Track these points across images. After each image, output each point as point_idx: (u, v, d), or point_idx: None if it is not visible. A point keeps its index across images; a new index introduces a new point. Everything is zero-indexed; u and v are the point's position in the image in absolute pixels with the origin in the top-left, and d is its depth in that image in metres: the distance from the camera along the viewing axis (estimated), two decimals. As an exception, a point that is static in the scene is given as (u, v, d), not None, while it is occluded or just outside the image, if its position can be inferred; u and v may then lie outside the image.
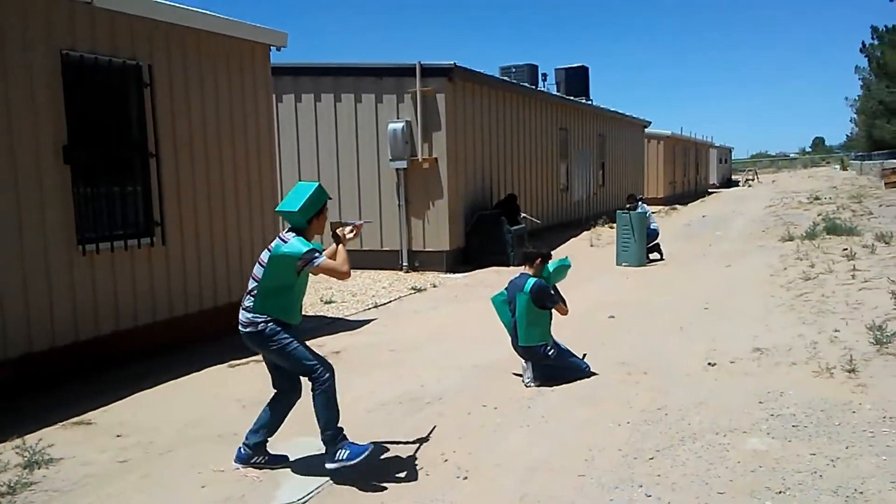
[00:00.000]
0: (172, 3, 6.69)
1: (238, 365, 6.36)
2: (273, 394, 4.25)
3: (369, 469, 4.05)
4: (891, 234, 11.48)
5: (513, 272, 6.87)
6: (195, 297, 7.04)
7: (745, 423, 4.43)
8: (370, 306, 9.24)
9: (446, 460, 4.19)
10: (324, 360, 4.03)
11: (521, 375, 5.70)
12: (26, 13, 5.54)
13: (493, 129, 13.88)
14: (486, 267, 11.91)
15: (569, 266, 5.96)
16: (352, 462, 3.90)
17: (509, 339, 5.83)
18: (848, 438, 4.09)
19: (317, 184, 4.12)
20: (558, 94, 19.48)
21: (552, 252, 6.07)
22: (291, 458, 4.24)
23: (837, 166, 62.94)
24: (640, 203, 12.68)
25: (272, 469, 4.14)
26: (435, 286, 10.65)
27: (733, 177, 55.23)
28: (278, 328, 3.94)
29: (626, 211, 12.22)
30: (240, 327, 4.02)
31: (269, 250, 3.97)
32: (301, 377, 4.11)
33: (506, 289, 5.89)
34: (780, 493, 3.52)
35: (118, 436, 4.76)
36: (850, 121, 63.43)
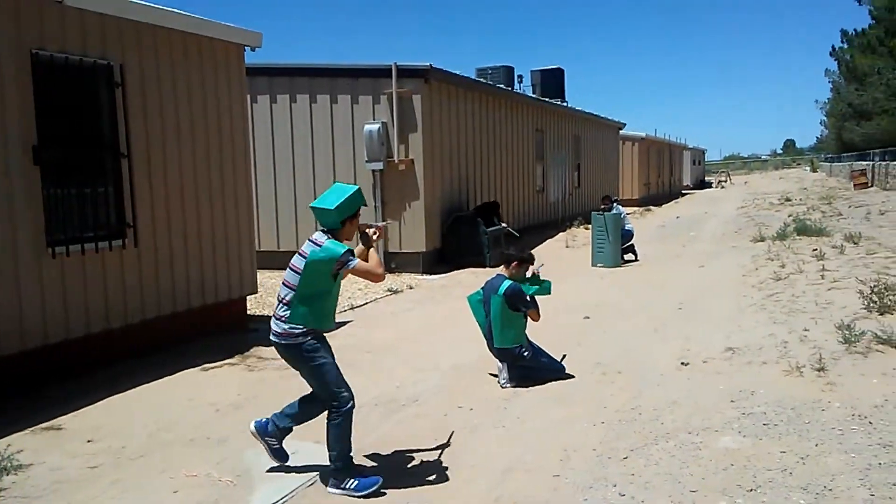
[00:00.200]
0: (144, 3, 6.61)
1: (212, 368, 6.30)
2: (309, 392, 4.12)
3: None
4: (859, 234, 11.71)
5: (489, 273, 6.90)
6: (169, 299, 6.96)
7: (718, 422, 4.49)
8: (346, 308, 9.20)
9: (422, 462, 4.18)
10: (349, 388, 3.93)
11: (496, 376, 5.72)
12: (-6, 11, 5.43)
13: (470, 130, 13.90)
14: (463, 268, 11.93)
15: (548, 291, 5.94)
16: (358, 494, 3.79)
17: (485, 340, 5.84)
18: (817, 436, 4.16)
19: (356, 186, 4.06)
20: (534, 95, 19.57)
21: (531, 252, 6.06)
22: (266, 462, 4.20)
23: (808, 168, 64.08)
24: (615, 204, 12.78)
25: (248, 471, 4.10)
26: (411, 287, 10.64)
27: (706, 178, 55.93)
28: (317, 344, 3.84)
29: (601, 212, 12.31)
30: (273, 338, 3.89)
31: (302, 256, 3.85)
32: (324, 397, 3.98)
33: (482, 288, 5.91)
34: (751, 490, 3.57)
35: (89, 441, 4.69)
36: (820, 123, 64.62)
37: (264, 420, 4.11)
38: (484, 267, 11.79)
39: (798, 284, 8.37)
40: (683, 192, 41.54)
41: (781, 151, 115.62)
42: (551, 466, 4.06)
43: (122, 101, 6.45)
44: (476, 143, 14.18)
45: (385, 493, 3.80)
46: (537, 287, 5.81)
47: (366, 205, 4.16)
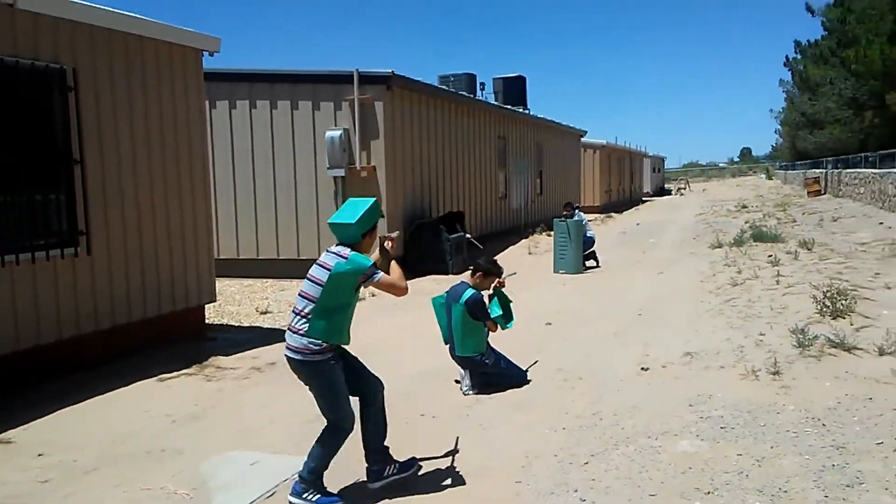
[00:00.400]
0: (100, 6, 6.47)
1: (169, 379, 6.17)
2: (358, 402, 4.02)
3: (304, 482, 3.97)
4: (813, 240, 12.00)
5: (452, 280, 6.90)
6: (124, 308, 6.80)
7: (676, 426, 4.54)
8: (308, 316, 9.11)
9: (383, 471, 4.14)
10: (353, 416, 3.87)
11: (459, 383, 5.71)
12: (-61, 12, 5.27)
13: (433, 137, 13.92)
14: (426, 275, 11.90)
15: (510, 320, 5.90)
16: None
17: (447, 346, 5.83)
18: (773, 439, 4.23)
19: (373, 199, 4.01)
20: (496, 103, 19.68)
21: (499, 264, 6.00)
22: (223, 473, 4.13)
23: (763, 175, 65.66)
24: (577, 211, 12.90)
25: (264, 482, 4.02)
26: (373, 295, 10.56)
27: (666, 185, 56.91)
28: (335, 363, 3.76)
29: (563, 219, 12.41)
30: (289, 352, 3.78)
31: (324, 267, 3.75)
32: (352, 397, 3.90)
33: (446, 292, 5.89)
34: (708, 493, 3.62)
35: (40, 455, 4.55)
36: (775, 132, 66.26)
37: (368, 470, 3.96)
38: (446, 274, 11.79)
39: (754, 290, 8.53)
40: (644, 199, 42.18)
41: (738, 159, 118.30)
42: (513, 473, 4.06)
43: (76, 105, 6.30)
44: (439, 149, 14.20)
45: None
46: (500, 314, 5.77)
47: (383, 216, 4.12)
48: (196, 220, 7.71)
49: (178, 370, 6.40)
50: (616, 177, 34.55)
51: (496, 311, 5.71)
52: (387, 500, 3.83)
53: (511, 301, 5.86)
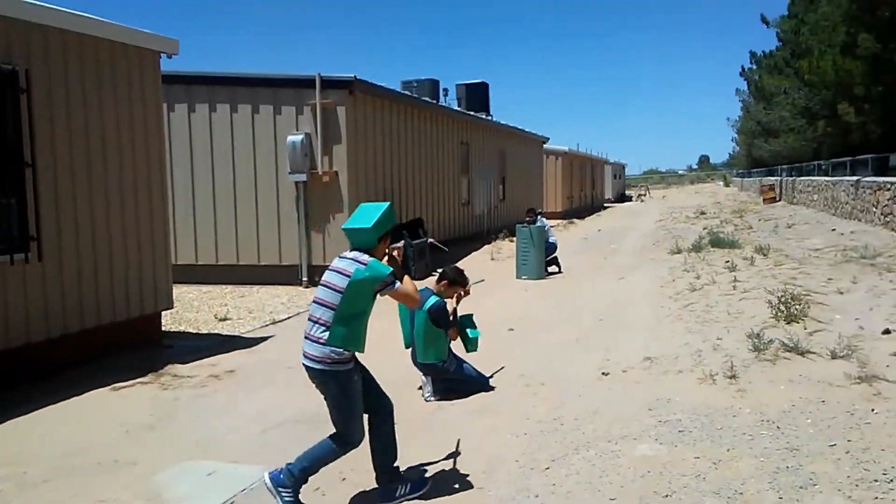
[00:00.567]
0: (55, 7, 6.32)
1: (122, 388, 6.02)
2: (368, 421, 3.95)
3: (262, 490, 3.90)
4: (768, 246, 12.27)
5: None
6: (76, 315, 6.62)
7: (636, 430, 4.58)
8: (267, 323, 8.99)
9: (344, 479, 4.11)
10: (363, 432, 3.82)
11: (422, 390, 5.69)
12: None
13: (395, 142, 13.89)
14: (389, 281, 11.85)
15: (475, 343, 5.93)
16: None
17: (409, 351, 5.80)
18: (729, 442, 4.30)
19: (387, 203, 3.96)
20: (459, 109, 19.75)
21: (465, 273, 6.00)
22: (179, 484, 4.04)
23: (721, 182, 67.09)
24: (539, 217, 12.99)
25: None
26: (336, 301, 10.49)
27: (627, 192, 57.77)
28: (355, 375, 3.71)
29: (525, 225, 12.48)
30: (308, 361, 3.69)
31: (342, 274, 3.68)
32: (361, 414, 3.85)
33: None
34: (666, 496, 3.65)
35: (-14, 468, 4.39)
36: (732, 140, 67.73)
37: (380, 491, 3.89)
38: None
39: (712, 295, 8.68)
40: (605, 205, 42.72)
41: (697, 167, 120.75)
42: (475, 479, 4.05)
43: (28, 107, 6.13)
44: (402, 155, 14.18)
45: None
46: (467, 337, 5.79)
47: (394, 224, 4.06)
48: (153, 224, 7.56)
49: (133, 379, 6.25)
50: (578, 183, 34.93)
51: (473, 334, 5.77)
52: (343, 501, 3.79)
53: (477, 332, 5.90)
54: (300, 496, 3.72)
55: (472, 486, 3.98)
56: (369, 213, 3.85)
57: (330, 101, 11.60)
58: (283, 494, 3.65)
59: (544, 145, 28.61)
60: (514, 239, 12.99)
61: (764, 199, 29.61)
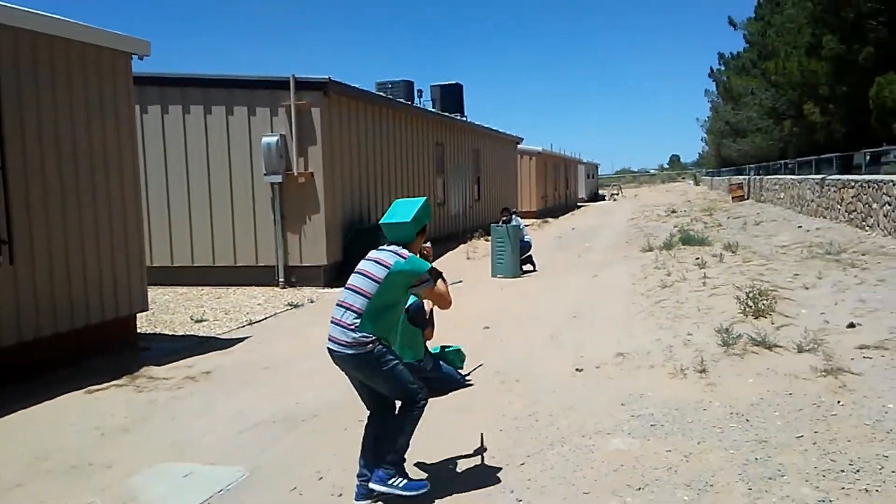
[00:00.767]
0: (23, 8, 6.25)
1: (97, 391, 5.97)
2: (368, 418, 3.92)
3: (239, 491, 3.93)
4: (737, 244, 12.50)
5: (389, 286, 6.89)
6: (49, 319, 6.55)
7: (609, 425, 4.67)
8: (244, 324, 8.97)
9: (321, 478, 4.13)
10: (423, 385, 3.80)
11: (397, 389, 5.72)
12: None
13: (371, 143, 13.90)
14: (364, 281, 11.85)
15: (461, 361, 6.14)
16: (405, 493, 3.65)
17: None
18: (699, 435, 4.40)
19: (423, 198, 3.96)
20: (434, 110, 19.80)
21: (435, 265, 6.05)
22: (155, 487, 4.03)
23: (691, 181, 67.97)
24: (514, 216, 13.08)
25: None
26: (312, 301, 10.50)
27: (600, 191, 58.27)
28: (385, 349, 3.66)
29: (500, 224, 12.57)
30: (338, 348, 3.64)
31: (381, 264, 3.68)
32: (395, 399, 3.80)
33: None
34: (639, 489, 3.74)
35: (-42, 474, 4.35)
36: (702, 140, 68.51)
37: (357, 488, 3.78)
38: (385, 280, 11.77)
39: (682, 291, 8.83)
40: (579, 204, 43.07)
41: (668, 166, 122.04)
42: (451, 476, 4.10)
43: (-3, 109, 6.06)
44: (377, 156, 14.19)
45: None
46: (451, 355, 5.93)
47: (431, 218, 4.06)
48: (126, 226, 7.50)
49: (107, 381, 6.21)
50: (552, 183, 35.17)
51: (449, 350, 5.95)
52: (319, 500, 3.81)
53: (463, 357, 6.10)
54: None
55: (449, 482, 4.03)
56: (407, 208, 3.87)
57: (304, 103, 11.58)
58: (398, 483, 3.65)
59: (518, 145, 28.78)
60: (490, 238, 13.08)
61: (733, 198, 30.07)
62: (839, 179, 15.77)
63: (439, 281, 3.88)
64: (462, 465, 4.24)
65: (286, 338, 8.11)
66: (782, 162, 25.22)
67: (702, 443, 4.27)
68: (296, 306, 10.00)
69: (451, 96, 21.68)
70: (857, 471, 3.74)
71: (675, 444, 4.28)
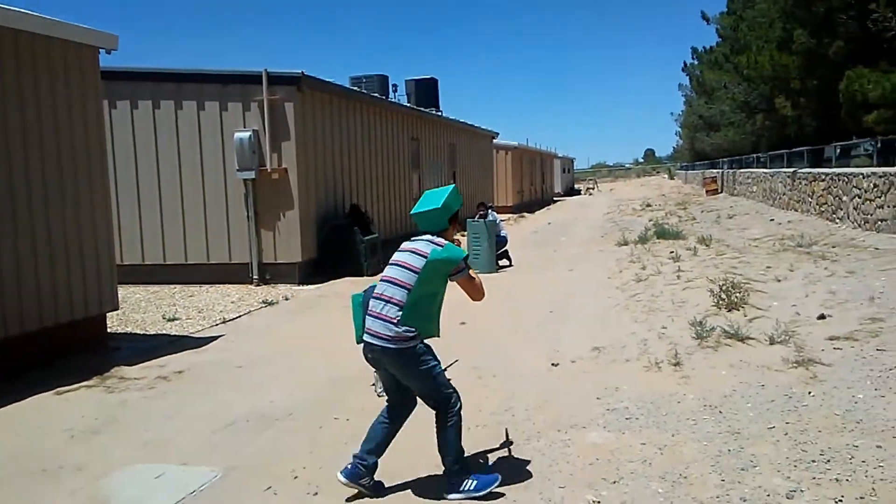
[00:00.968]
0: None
1: (66, 392, 5.86)
2: (384, 409, 3.88)
3: (213, 491, 3.87)
4: (710, 237, 12.64)
5: (367, 282, 6.84)
6: (16, 318, 6.40)
7: (585, 419, 4.69)
8: (217, 322, 8.86)
9: (296, 477, 4.09)
10: (456, 389, 3.77)
11: (374, 386, 5.69)
12: None
13: (345, 138, 13.80)
14: (341, 277, 11.80)
15: None
16: (480, 493, 3.63)
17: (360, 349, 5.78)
18: (674, 427, 4.44)
19: (452, 185, 3.90)
20: (409, 105, 19.72)
21: None
22: (127, 489, 3.97)
23: (666, 175, 68.59)
24: (490, 211, 13.08)
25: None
26: (287, 299, 10.41)
27: (576, 185, 58.58)
28: (425, 347, 3.62)
29: (476, 219, 12.56)
30: (379, 342, 3.60)
31: (417, 254, 3.63)
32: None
33: (364, 292, 5.83)
34: (614, 482, 3.75)
35: (-79, 479, 4.24)
36: (676, 134, 69.38)
37: (350, 466, 3.74)
38: (362, 276, 11.73)
39: (657, 285, 8.91)
40: (555, 198, 43.26)
41: (643, 160, 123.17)
42: (427, 472, 4.07)
43: (-42, 104, 5.91)
44: (352, 151, 14.10)
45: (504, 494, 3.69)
46: None
47: (462, 204, 4.01)
48: (95, 224, 7.37)
49: (77, 382, 6.09)
50: (528, 177, 35.26)
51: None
52: (294, 499, 3.78)
53: None
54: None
55: (425, 479, 4.01)
56: (436, 196, 3.82)
57: (277, 98, 11.47)
58: (468, 486, 3.65)
59: (494, 140, 28.80)
60: (466, 233, 13.07)
61: (707, 191, 30.42)
62: (810, 173, 16.00)
63: (472, 271, 3.84)
64: (436, 463, 4.21)
65: (260, 336, 8.03)
66: (755, 156, 25.54)
67: (676, 435, 4.31)
68: (270, 304, 9.91)
69: (425, 91, 21.61)
70: (828, 461, 3.79)
71: (650, 436, 4.31)
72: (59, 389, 5.91)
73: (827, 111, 17.34)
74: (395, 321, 3.57)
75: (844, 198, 13.33)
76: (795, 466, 3.76)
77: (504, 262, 12.95)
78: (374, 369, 5.64)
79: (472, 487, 3.66)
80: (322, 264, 12.25)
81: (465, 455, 3.83)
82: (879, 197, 11.51)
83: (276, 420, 5.10)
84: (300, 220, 11.69)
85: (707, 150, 39.66)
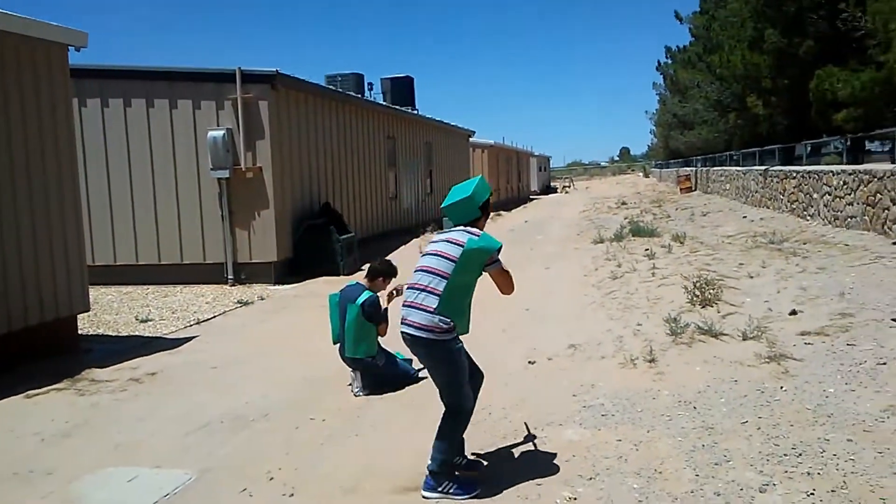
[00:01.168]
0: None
1: (36, 395, 5.76)
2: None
3: (187, 493, 3.83)
4: (685, 234, 12.76)
5: (343, 281, 6.82)
6: (-16, 322, 6.29)
7: (561, 416, 4.70)
8: (192, 323, 8.76)
9: (272, 478, 4.06)
10: (472, 397, 3.76)
11: (351, 385, 5.67)
12: None
13: (321, 137, 13.72)
14: (317, 277, 11.74)
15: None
16: (457, 498, 3.61)
17: (338, 346, 5.76)
18: (649, 423, 4.47)
19: (479, 177, 3.87)
20: (385, 103, 19.66)
21: (390, 260, 6.00)
22: (98, 492, 3.90)
23: (641, 173, 69.18)
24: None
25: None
26: (262, 298, 10.33)
27: (552, 184, 58.85)
28: (460, 342, 3.60)
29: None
30: (416, 332, 3.56)
31: (453, 243, 3.59)
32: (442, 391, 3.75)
33: (340, 292, 5.81)
34: (590, 479, 3.77)
35: None
36: (650, 132, 69.79)
37: (428, 480, 3.71)
38: (338, 275, 11.67)
39: (632, 282, 8.97)
40: (531, 197, 43.41)
41: (618, 158, 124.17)
42: (404, 472, 4.07)
43: (-78, 102, 5.77)
44: (327, 150, 14.02)
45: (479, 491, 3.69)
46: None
47: (492, 193, 3.96)
48: (65, 225, 7.24)
49: (47, 385, 5.99)
50: (504, 175, 35.35)
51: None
52: (269, 500, 3.75)
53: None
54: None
55: (403, 478, 4.00)
56: (464, 187, 3.81)
57: (251, 96, 11.37)
58: (448, 488, 3.64)
59: (470, 139, 28.82)
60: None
61: (681, 189, 30.71)
62: (782, 170, 16.23)
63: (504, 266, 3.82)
64: (412, 463, 4.21)
65: (236, 336, 7.96)
66: (728, 153, 25.82)
67: (651, 431, 4.34)
68: (245, 304, 9.82)
69: (401, 89, 21.59)
70: (800, 454, 3.84)
71: (626, 433, 4.34)
72: (28, 393, 5.80)
73: (798, 110, 17.59)
74: (432, 310, 3.56)
75: (815, 195, 13.54)
76: (768, 460, 3.81)
77: (481, 260, 12.93)
78: (350, 369, 5.67)
79: (450, 490, 3.68)
80: (298, 264, 12.18)
81: (455, 461, 3.82)
82: (849, 194, 11.71)
83: (251, 421, 5.06)
84: (275, 219, 11.60)
85: (681, 149, 40.04)
